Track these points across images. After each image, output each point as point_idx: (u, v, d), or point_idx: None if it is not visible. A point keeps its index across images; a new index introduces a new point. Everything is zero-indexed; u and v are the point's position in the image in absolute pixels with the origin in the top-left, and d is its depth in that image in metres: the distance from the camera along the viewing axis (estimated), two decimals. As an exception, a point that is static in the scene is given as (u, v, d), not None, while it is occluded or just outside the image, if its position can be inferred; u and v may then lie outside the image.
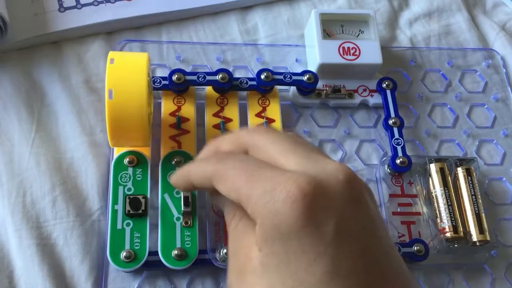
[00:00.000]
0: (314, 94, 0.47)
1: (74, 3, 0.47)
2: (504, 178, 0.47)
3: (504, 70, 0.52)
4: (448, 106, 0.50)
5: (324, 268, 0.26)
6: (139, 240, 0.38)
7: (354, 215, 0.27)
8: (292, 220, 0.26)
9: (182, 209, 0.39)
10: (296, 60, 0.50)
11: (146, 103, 0.37)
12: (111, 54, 0.38)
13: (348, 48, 0.47)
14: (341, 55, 0.47)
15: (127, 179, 0.40)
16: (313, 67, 0.47)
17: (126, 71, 0.37)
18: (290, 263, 0.26)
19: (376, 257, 0.27)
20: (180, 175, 0.33)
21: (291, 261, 0.26)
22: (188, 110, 0.45)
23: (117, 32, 0.49)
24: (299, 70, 0.47)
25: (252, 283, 0.27)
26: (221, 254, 0.39)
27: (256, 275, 0.27)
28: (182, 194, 0.40)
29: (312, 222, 0.26)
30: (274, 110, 0.46)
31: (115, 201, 0.39)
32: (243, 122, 0.45)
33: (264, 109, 0.46)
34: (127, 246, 0.38)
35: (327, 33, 0.48)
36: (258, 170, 0.28)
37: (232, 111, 0.45)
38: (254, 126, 0.40)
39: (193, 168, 0.32)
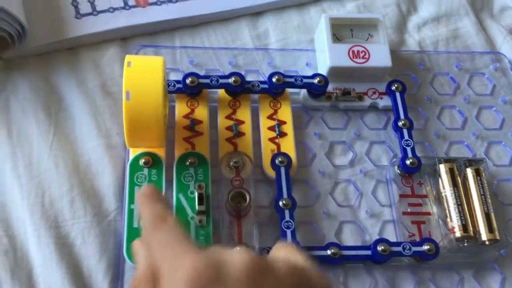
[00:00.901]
0: (324, 97, 0.48)
1: (91, 10, 0.49)
2: (513, 179, 0.48)
3: (512, 73, 0.53)
4: (457, 108, 0.50)
5: None
6: (155, 239, 0.39)
7: None
8: None
9: (197, 208, 0.40)
10: (307, 64, 0.51)
11: (162, 104, 0.38)
12: (128, 57, 0.39)
13: (358, 51, 0.48)
14: (351, 59, 0.47)
15: (142, 179, 0.41)
16: (323, 70, 0.48)
17: (143, 73, 0.38)
18: None
19: None
20: (139, 204, 0.34)
21: None
22: (201, 112, 0.46)
23: (132, 38, 0.50)
24: (309, 73, 0.48)
25: None
26: (235, 252, 0.39)
27: None
28: (196, 193, 0.40)
29: None
30: (285, 113, 0.47)
31: (131, 201, 0.40)
32: (255, 124, 0.46)
33: (275, 112, 0.47)
34: (143, 245, 0.39)
35: (336, 37, 0.49)
36: (174, 247, 0.29)
37: (244, 114, 0.46)
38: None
39: (143, 215, 0.33)
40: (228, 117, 0.46)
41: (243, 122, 0.46)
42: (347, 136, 0.48)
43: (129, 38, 0.50)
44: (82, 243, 0.40)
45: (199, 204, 0.40)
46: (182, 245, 0.29)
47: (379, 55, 0.48)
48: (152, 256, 0.30)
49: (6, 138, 0.43)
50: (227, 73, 0.47)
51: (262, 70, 0.50)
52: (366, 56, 0.48)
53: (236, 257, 0.28)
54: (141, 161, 0.42)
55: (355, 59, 0.48)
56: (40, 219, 0.40)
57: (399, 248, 0.41)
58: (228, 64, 0.50)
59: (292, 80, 0.47)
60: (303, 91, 0.48)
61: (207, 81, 0.45)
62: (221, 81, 0.46)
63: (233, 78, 0.45)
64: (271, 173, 0.44)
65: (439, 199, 0.45)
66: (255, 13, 0.53)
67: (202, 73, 0.49)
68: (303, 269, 0.30)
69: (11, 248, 0.39)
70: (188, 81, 0.45)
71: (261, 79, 0.49)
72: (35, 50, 0.47)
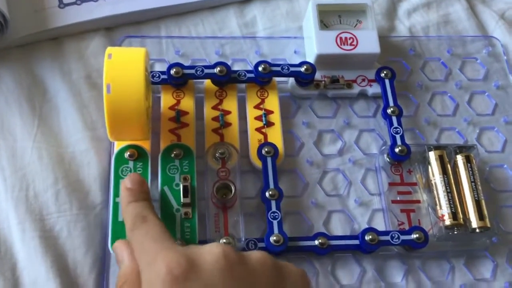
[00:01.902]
0: (312, 85, 0.47)
1: None
2: (506, 165, 0.47)
3: (505, 58, 0.52)
4: (448, 94, 0.50)
5: None
6: (140, 232, 0.39)
7: (225, 285, 0.28)
8: None
9: (182, 201, 0.40)
10: (295, 52, 0.50)
11: (144, 97, 0.37)
12: (109, 49, 0.38)
13: (346, 38, 0.47)
14: (338, 46, 0.47)
15: (128, 172, 0.41)
16: (311, 58, 0.47)
17: (124, 65, 0.38)
18: None
19: None
20: (121, 200, 0.37)
21: None
22: (187, 103, 0.45)
23: (117, 28, 0.49)
24: (297, 61, 0.47)
25: None
26: (221, 244, 0.39)
27: None
28: (181, 185, 0.40)
29: None
30: (272, 102, 0.46)
31: (116, 194, 0.40)
32: (242, 114, 0.46)
33: (262, 101, 0.46)
34: (128, 238, 0.38)
35: (324, 24, 0.48)
36: (151, 244, 0.31)
37: (231, 104, 0.46)
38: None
39: (124, 212, 0.37)
40: (215, 107, 0.45)
41: (229, 113, 0.45)
42: (336, 125, 0.47)
43: (114, 28, 0.49)
44: (68, 236, 0.39)
45: (184, 196, 0.40)
46: (158, 243, 0.30)
47: (368, 42, 0.47)
48: (133, 254, 0.32)
49: (-12, 132, 0.42)
50: (213, 62, 0.46)
51: (250, 59, 0.49)
52: (354, 43, 0.47)
53: (208, 250, 0.29)
54: (126, 154, 0.41)
55: (342, 46, 0.47)
56: (24, 212, 0.40)
57: (387, 237, 0.41)
58: (214, 54, 0.49)
59: (279, 68, 0.46)
60: (291, 80, 0.48)
61: (192, 71, 0.45)
62: (206, 71, 0.45)
63: (218, 68, 0.45)
64: (258, 163, 0.43)
65: (429, 187, 0.44)
66: (243, 1, 0.52)
67: (188, 63, 0.48)
68: (276, 260, 0.30)
69: (-5, 242, 0.39)
70: (172, 71, 0.44)
71: (249, 68, 0.49)
72: (18, 41, 0.46)
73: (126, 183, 0.37)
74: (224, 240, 0.39)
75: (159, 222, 0.33)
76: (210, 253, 0.29)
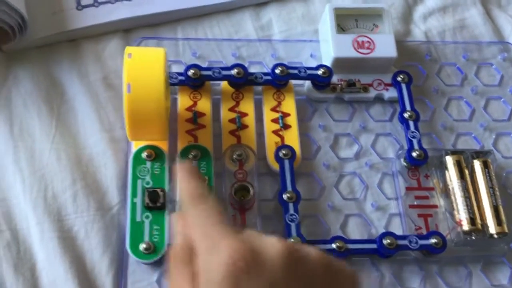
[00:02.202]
0: (329, 89, 0.47)
1: (92, 1, 0.48)
2: (522, 171, 0.47)
3: (521, 63, 0.52)
4: (464, 99, 0.50)
5: None
6: (158, 233, 0.39)
7: (286, 283, 0.28)
8: (218, 281, 0.27)
9: (200, 202, 0.39)
10: (311, 55, 0.50)
11: (164, 96, 0.37)
12: (128, 49, 0.38)
13: (363, 42, 0.47)
14: (355, 49, 0.47)
15: (145, 173, 0.41)
16: (327, 62, 0.47)
17: (144, 65, 0.38)
18: None
19: None
20: (180, 180, 0.35)
21: None
22: (204, 105, 0.45)
23: (134, 30, 0.49)
24: (313, 65, 0.47)
25: None
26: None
27: None
28: (199, 187, 0.40)
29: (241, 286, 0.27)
30: (289, 105, 0.46)
31: (134, 194, 0.40)
32: (259, 116, 0.46)
33: (279, 104, 0.46)
34: (146, 238, 0.39)
35: (341, 28, 0.48)
36: (212, 228, 0.30)
37: (247, 106, 0.46)
38: None
39: (183, 189, 0.33)
40: (231, 109, 0.46)
41: (246, 115, 0.45)
42: (352, 128, 0.47)
43: (131, 30, 0.49)
44: (85, 237, 0.39)
45: (202, 197, 0.39)
46: (219, 227, 0.29)
47: (384, 46, 0.47)
48: (188, 231, 0.31)
49: (8, 132, 0.42)
50: (230, 65, 0.46)
51: (266, 62, 0.49)
52: (371, 46, 0.47)
53: (273, 245, 0.28)
54: (144, 154, 0.41)
55: (359, 50, 0.47)
56: (43, 213, 0.40)
57: (406, 242, 0.41)
58: (231, 56, 0.49)
59: (296, 71, 0.46)
60: (307, 83, 0.48)
61: (210, 73, 0.45)
62: (223, 72, 0.45)
63: (235, 70, 0.45)
64: (275, 166, 0.43)
65: (446, 192, 0.44)
66: (259, 4, 0.52)
67: (204, 65, 0.48)
68: (332, 258, 0.30)
69: (14, 242, 0.39)
70: (190, 73, 0.44)
71: (265, 70, 0.49)
72: (36, 42, 0.46)
73: (183, 164, 0.36)
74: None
75: (219, 206, 0.32)
76: (273, 247, 0.28)
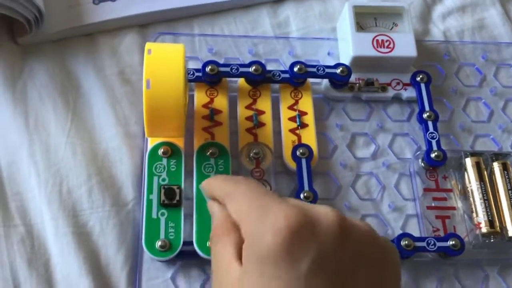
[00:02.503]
0: (347, 88, 0.47)
1: (108, -4, 0.48)
2: (540, 174, 0.46)
3: (540, 65, 0.52)
4: (483, 100, 0.49)
5: None
6: (173, 230, 0.38)
7: (336, 253, 0.28)
8: (272, 246, 0.27)
9: (217, 200, 0.39)
10: (328, 53, 0.49)
11: (183, 93, 0.37)
12: (148, 45, 0.38)
13: (382, 41, 0.47)
14: (374, 48, 0.46)
15: (161, 170, 0.40)
16: (346, 60, 0.47)
17: (163, 61, 0.37)
18: (263, 284, 0.27)
19: None
20: (206, 185, 0.35)
21: (264, 282, 0.27)
22: (221, 102, 0.45)
23: (150, 25, 0.49)
24: (331, 63, 0.47)
25: None
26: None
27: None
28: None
29: (290, 252, 0.27)
30: (306, 103, 0.46)
31: (150, 191, 0.40)
32: (275, 114, 0.45)
33: (296, 102, 0.46)
34: (162, 236, 0.38)
35: (360, 26, 0.48)
36: (259, 198, 0.30)
37: (264, 104, 0.45)
38: None
39: (214, 183, 0.34)
40: (248, 107, 0.45)
41: (263, 112, 0.45)
42: (370, 128, 0.47)
43: (148, 25, 0.49)
44: (100, 233, 0.39)
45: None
46: (267, 196, 0.30)
47: (404, 45, 0.47)
48: (232, 208, 0.31)
49: (23, 125, 0.42)
50: (246, 62, 0.46)
51: (283, 59, 0.49)
52: (391, 45, 0.46)
53: (324, 212, 0.28)
54: (160, 151, 0.41)
55: (379, 49, 0.46)
56: (57, 208, 0.39)
57: (423, 243, 0.40)
58: (248, 53, 0.49)
59: (314, 69, 0.45)
60: (325, 81, 0.47)
61: (227, 69, 0.44)
62: (241, 69, 0.45)
63: (253, 67, 0.44)
64: (292, 164, 0.43)
65: (464, 194, 0.43)
66: (276, 1, 0.52)
67: (221, 61, 0.48)
68: (377, 233, 0.30)
69: (28, 237, 0.39)
70: (207, 69, 0.44)
71: (282, 68, 0.48)
72: (52, 36, 0.46)
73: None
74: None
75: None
76: (327, 216, 0.28)
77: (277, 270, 0.27)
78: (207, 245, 0.38)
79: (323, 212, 0.28)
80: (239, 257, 0.29)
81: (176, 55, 0.38)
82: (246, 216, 0.29)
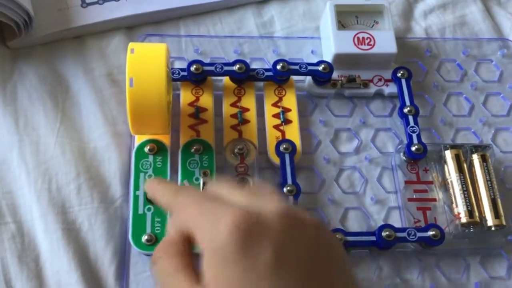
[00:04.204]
0: (329, 84, 0.48)
1: (96, -1, 0.49)
2: (521, 166, 0.48)
3: (521, 60, 0.53)
4: (464, 95, 0.50)
5: None
6: (159, 225, 0.40)
7: (291, 246, 0.28)
8: (230, 247, 0.27)
9: (201, 195, 0.40)
10: (312, 52, 0.51)
11: (165, 90, 0.38)
12: (131, 44, 0.39)
13: (363, 38, 0.48)
14: (356, 45, 0.47)
15: (147, 166, 0.42)
16: (328, 58, 0.48)
17: (146, 60, 0.38)
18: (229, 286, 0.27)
19: (317, 282, 0.28)
20: (148, 189, 0.35)
21: (233, 285, 0.27)
22: (206, 100, 0.46)
23: (137, 27, 0.50)
24: (314, 61, 0.48)
25: None
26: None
27: None
28: (201, 181, 0.41)
29: (249, 249, 0.27)
30: (290, 100, 0.47)
31: (136, 187, 0.41)
32: (260, 111, 0.46)
33: (280, 99, 0.47)
34: (148, 230, 0.39)
35: (342, 24, 0.49)
36: (206, 203, 0.30)
37: (249, 101, 0.46)
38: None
39: (158, 191, 0.33)
40: (233, 104, 0.46)
41: (248, 110, 0.46)
42: (352, 123, 0.48)
43: (134, 27, 0.50)
44: (89, 229, 0.40)
45: (204, 190, 0.40)
46: (214, 201, 0.30)
47: (385, 42, 0.48)
48: (181, 217, 0.31)
49: (13, 126, 0.43)
50: (232, 61, 0.47)
51: (268, 58, 0.50)
52: (372, 42, 0.48)
53: (272, 208, 0.29)
54: (146, 148, 0.42)
55: (360, 46, 0.47)
56: (47, 205, 0.40)
57: (404, 234, 0.41)
58: (233, 53, 0.50)
59: (297, 67, 0.47)
60: (308, 79, 0.48)
61: (212, 68, 0.46)
62: (225, 68, 0.46)
63: (237, 66, 0.46)
64: (276, 160, 0.44)
65: (444, 186, 0.44)
66: (261, 1, 0.53)
67: (207, 61, 0.49)
68: (320, 220, 0.32)
69: (18, 233, 0.40)
70: (192, 68, 0.45)
71: (266, 67, 0.49)
72: (41, 39, 0.47)
73: (149, 180, 0.37)
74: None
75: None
76: (273, 210, 0.29)
77: (240, 270, 0.27)
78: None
79: (269, 207, 0.29)
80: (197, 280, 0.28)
81: (158, 54, 0.39)
82: (196, 225, 0.29)
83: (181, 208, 0.31)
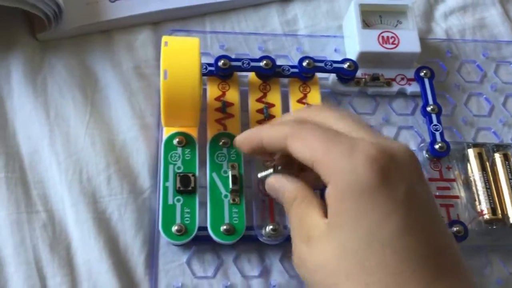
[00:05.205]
0: (353, 82, 0.49)
1: (124, -6, 0.50)
2: (540, 166, 0.48)
3: (539, 63, 0.53)
4: (484, 96, 0.51)
5: (396, 223, 0.29)
6: (189, 215, 0.40)
7: (420, 184, 0.31)
8: (368, 180, 0.29)
9: (231, 187, 0.41)
10: (335, 50, 0.51)
11: (198, 83, 0.39)
12: (165, 38, 0.40)
13: (387, 37, 0.48)
14: (380, 44, 0.48)
15: (176, 158, 0.42)
16: (352, 56, 0.49)
17: (180, 52, 0.39)
18: (360, 220, 0.29)
19: (438, 221, 0.31)
20: (249, 135, 0.36)
21: (361, 217, 0.29)
22: (232, 95, 0.46)
23: (163, 22, 0.51)
24: (338, 59, 0.48)
25: (320, 244, 0.30)
26: (267, 230, 0.40)
27: (323, 236, 0.30)
28: (230, 173, 0.41)
29: (386, 182, 0.29)
30: (315, 97, 0.47)
31: (166, 179, 0.41)
32: (285, 108, 0.47)
33: (305, 96, 0.48)
34: (178, 221, 0.40)
35: (366, 23, 0.50)
36: (336, 136, 0.31)
37: (274, 97, 0.47)
38: (314, 106, 0.43)
39: (266, 129, 0.35)
40: (259, 100, 0.47)
41: (273, 105, 0.47)
42: (375, 121, 0.48)
43: (161, 23, 0.50)
44: (119, 219, 0.41)
45: (233, 183, 0.41)
46: (339, 135, 0.31)
47: (408, 41, 0.48)
48: (301, 147, 0.32)
49: (44, 117, 0.44)
50: (258, 57, 0.48)
51: (291, 56, 0.51)
52: (396, 41, 0.48)
53: (400, 146, 0.31)
54: (175, 141, 0.43)
55: (384, 45, 0.48)
56: (78, 195, 0.41)
57: (429, 230, 0.42)
58: (257, 49, 0.51)
59: (322, 64, 0.47)
60: (332, 76, 0.49)
61: (239, 63, 0.46)
62: (252, 64, 0.46)
63: (264, 62, 0.46)
64: (302, 154, 0.44)
65: (467, 184, 0.45)
66: (285, 0, 0.54)
67: (232, 57, 0.49)
68: None
69: (50, 222, 0.40)
70: (220, 63, 0.46)
71: (291, 64, 0.50)
72: (69, 32, 0.48)
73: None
74: (271, 227, 0.40)
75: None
76: (401, 148, 0.31)
77: (375, 202, 0.29)
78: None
79: (397, 145, 0.31)
80: (324, 215, 0.31)
81: (192, 47, 0.40)
82: (324, 156, 0.30)
83: (307, 136, 0.32)
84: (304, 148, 0.32)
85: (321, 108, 0.37)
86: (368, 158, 0.29)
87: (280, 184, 0.36)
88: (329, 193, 0.31)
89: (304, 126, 0.33)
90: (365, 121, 0.36)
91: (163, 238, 0.40)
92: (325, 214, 0.31)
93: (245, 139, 0.37)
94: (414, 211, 0.29)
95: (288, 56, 0.51)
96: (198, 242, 0.41)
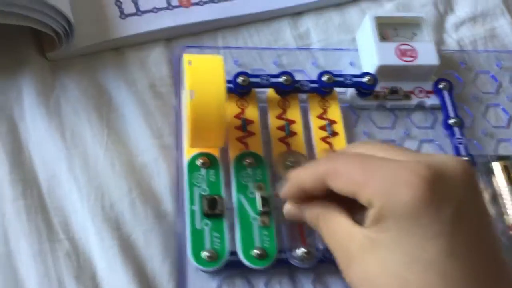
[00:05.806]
0: (372, 96, 0.48)
1: (135, 10, 0.48)
2: (560, 176, 0.48)
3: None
4: (501, 106, 0.51)
5: (440, 246, 0.28)
6: (218, 240, 0.39)
7: (471, 201, 0.29)
8: (412, 202, 0.28)
9: (260, 209, 0.39)
10: (350, 64, 0.50)
11: (225, 102, 0.37)
12: (187, 56, 0.38)
13: (405, 50, 0.48)
14: (398, 57, 0.47)
15: (201, 180, 0.41)
16: (370, 69, 0.48)
17: (205, 71, 0.38)
18: (402, 241, 0.28)
19: (488, 242, 0.29)
20: (291, 184, 0.35)
21: (404, 238, 0.28)
22: (252, 112, 0.45)
23: (175, 39, 0.49)
24: (353, 73, 0.48)
25: (362, 259, 0.29)
26: (299, 253, 0.39)
27: (365, 251, 0.29)
28: (257, 194, 0.40)
29: (431, 204, 0.28)
30: (335, 112, 0.47)
31: (192, 202, 0.40)
32: (305, 124, 0.46)
33: (325, 111, 0.47)
34: (208, 246, 0.38)
35: (382, 36, 0.49)
36: (372, 162, 0.30)
37: (294, 113, 0.46)
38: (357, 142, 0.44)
39: (303, 172, 0.34)
40: (279, 117, 0.46)
41: (294, 122, 0.45)
42: (396, 135, 0.48)
43: (173, 39, 0.49)
44: (145, 245, 0.39)
45: (263, 205, 0.39)
46: (374, 158, 0.31)
47: (427, 53, 0.48)
48: (340, 183, 0.31)
49: (59, 139, 0.42)
50: (272, 73, 0.46)
51: (307, 70, 0.50)
52: (414, 54, 0.48)
53: (452, 160, 0.30)
54: (199, 162, 0.41)
55: (402, 58, 0.47)
56: (101, 222, 0.39)
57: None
58: (272, 64, 0.49)
59: (342, 79, 0.46)
60: (351, 91, 0.48)
61: (258, 80, 0.45)
62: (271, 80, 0.45)
63: (284, 77, 0.45)
64: (327, 172, 0.43)
65: (495, 197, 0.45)
66: (296, 13, 0.53)
67: (249, 73, 0.48)
68: None
69: (74, 251, 0.38)
70: (239, 80, 0.44)
71: (306, 78, 0.49)
72: (80, 51, 0.46)
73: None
74: (304, 250, 0.39)
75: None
76: (453, 162, 0.30)
77: (419, 224, 0.28)
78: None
79: (446, 159, 0.30)
80: (353, 219, 0.31)
81: (216, 65, 0.38)
82: (365, 184, 0.29)
83: (344, 170, 0.31)
84: (344, 183, 0.31)
85: (363, 141, 0.36)
86: (411, 181, 0.28)
87: (295, 211, 0.36)
88: (370, 216, 0.30)
89: (337, 160, 0.32)
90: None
91: (191, 265, 0.38)
92: (353, 218, 0.31)
93: (289, 190, 0.36)
94: (461, 232, 0.28)
95: (304, 71, 0.50)
96: (228, 268, 0.39)
